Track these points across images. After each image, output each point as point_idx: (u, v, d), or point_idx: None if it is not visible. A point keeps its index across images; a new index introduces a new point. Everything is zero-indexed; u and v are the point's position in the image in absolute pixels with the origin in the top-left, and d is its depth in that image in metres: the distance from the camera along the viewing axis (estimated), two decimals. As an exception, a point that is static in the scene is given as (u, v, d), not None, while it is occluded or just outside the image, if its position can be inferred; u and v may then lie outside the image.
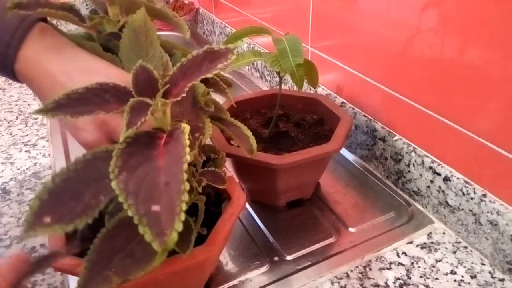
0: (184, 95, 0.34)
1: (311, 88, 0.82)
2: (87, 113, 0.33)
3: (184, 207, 0.28)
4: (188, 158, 0.30)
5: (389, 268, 0.55)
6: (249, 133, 0.49)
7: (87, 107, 0.34)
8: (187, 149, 0.30)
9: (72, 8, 0.46)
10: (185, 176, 0.29)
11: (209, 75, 0.35)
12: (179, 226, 0.27)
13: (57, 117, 0.32)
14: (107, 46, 0.50)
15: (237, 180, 0.55)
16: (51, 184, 0.32)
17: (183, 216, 0.28)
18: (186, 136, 0.31)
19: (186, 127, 0.33)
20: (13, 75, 0.44)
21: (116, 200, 0.32)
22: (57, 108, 0.33)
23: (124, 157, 0.31)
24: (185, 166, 0.29)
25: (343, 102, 0.79)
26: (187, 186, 0.29)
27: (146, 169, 0.30)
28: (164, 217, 0.28)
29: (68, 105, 0.33)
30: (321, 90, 0.85)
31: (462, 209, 0.58)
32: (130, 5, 0.48)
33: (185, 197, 0.28)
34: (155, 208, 0.28)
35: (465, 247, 0.58)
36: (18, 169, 0.77)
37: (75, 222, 0.31)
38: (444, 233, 0.60)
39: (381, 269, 0.55)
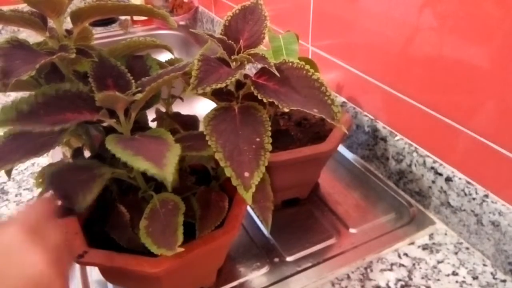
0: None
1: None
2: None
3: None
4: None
5: (390, 269, 0.55)
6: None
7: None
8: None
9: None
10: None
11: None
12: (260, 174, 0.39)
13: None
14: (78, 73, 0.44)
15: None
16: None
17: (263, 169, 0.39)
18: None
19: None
20: None
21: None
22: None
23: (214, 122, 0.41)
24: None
25: (344, 102, 0.78)
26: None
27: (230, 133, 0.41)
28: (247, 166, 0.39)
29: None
30: (322, 89, 0.84)
31: (464, 210, 0.57)
32: (79, 12, 0.41)
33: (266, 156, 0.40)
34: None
35: (467, 248, 0.57)
36: (16, 169, 0.77)
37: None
38: (445, 234, 0.60)
39: (382, 270, 0.55)
